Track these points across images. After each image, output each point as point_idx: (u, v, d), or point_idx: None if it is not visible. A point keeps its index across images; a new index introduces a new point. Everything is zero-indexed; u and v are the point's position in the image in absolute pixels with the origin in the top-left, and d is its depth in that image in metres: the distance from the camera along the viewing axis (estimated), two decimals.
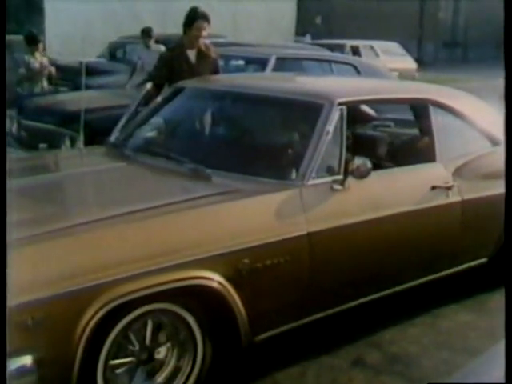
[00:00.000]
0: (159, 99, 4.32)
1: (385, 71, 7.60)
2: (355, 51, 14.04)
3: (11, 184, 2.31)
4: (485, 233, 4.02)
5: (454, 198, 3.76)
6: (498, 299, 3.94)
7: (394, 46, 15.66)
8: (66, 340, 2.48)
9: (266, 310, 3.05)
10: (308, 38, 20.21)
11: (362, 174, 3.26)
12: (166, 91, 4.50)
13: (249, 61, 6.98)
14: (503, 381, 1.66)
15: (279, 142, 3.63)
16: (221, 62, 5.61)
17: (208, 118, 4.11)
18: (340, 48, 12.64)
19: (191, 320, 2.85)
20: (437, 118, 3.92)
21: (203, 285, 2.79)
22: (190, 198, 3.03)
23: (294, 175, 3.25)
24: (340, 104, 3.43)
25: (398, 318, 3.82)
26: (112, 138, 4.15)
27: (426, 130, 4.01)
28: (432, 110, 3.91)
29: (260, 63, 6.66)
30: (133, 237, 2.71)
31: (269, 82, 4.53)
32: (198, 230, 2.86)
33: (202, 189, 3.23)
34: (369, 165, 3.25)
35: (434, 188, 3.70)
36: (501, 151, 3.86)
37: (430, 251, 3.76)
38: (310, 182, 3.23)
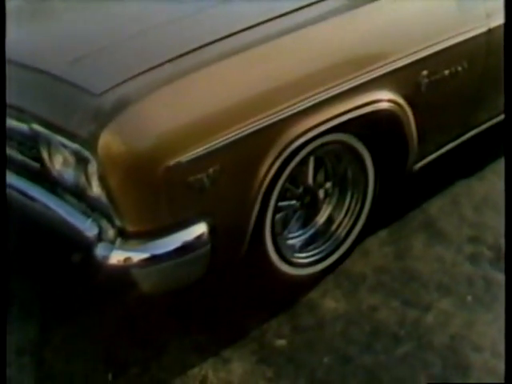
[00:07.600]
0: None
1: None
2: None
3: None
4: None
5: None
6: None
7: None
8: (244, 195, 1.89)
9: (434, 131, 2.47)
10: None
11: None
12: None
13: None
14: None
15: None
16: None
17: None
18: None
19: (364, 151, 2.27)
20: None
21: (381, 108, 2.16)
22: None
23: None
24: None
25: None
26: None
27: None
28: None
29: None
30: (303, 49, 2.00)
31: None
32: (374, 35, 2.14)
33: None
34: None
35: None
36: None
37: None
38: None
